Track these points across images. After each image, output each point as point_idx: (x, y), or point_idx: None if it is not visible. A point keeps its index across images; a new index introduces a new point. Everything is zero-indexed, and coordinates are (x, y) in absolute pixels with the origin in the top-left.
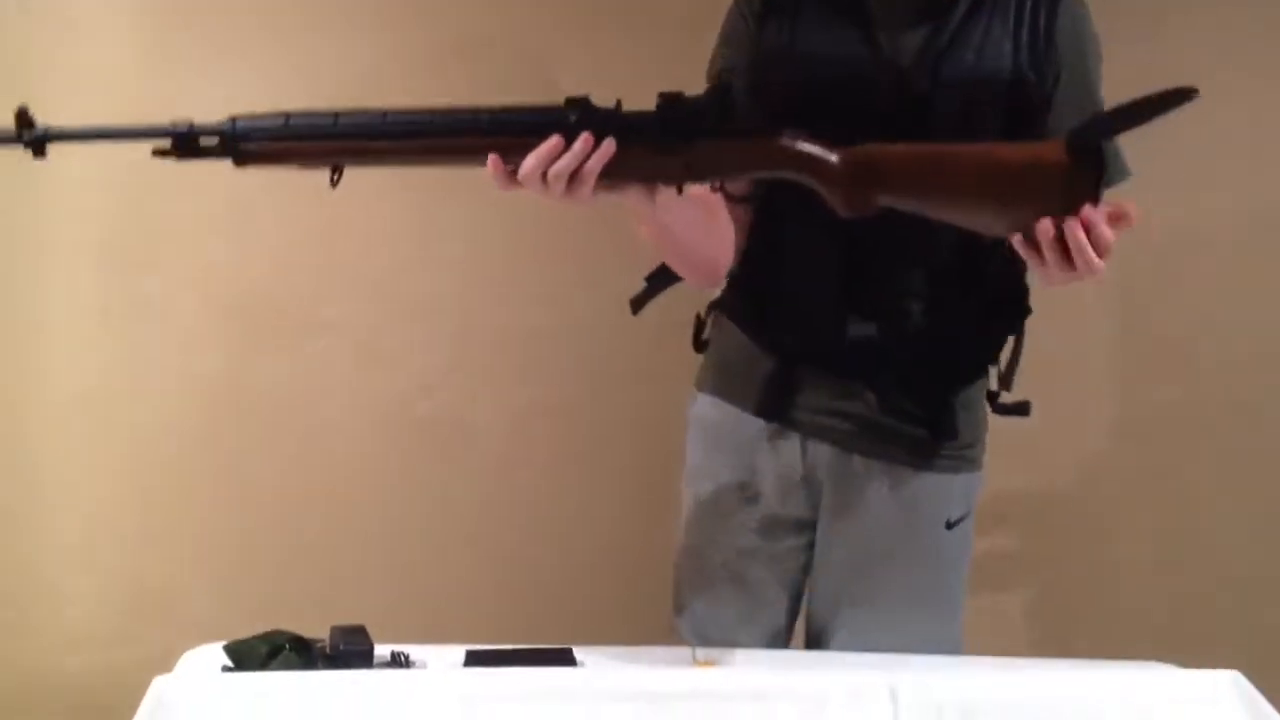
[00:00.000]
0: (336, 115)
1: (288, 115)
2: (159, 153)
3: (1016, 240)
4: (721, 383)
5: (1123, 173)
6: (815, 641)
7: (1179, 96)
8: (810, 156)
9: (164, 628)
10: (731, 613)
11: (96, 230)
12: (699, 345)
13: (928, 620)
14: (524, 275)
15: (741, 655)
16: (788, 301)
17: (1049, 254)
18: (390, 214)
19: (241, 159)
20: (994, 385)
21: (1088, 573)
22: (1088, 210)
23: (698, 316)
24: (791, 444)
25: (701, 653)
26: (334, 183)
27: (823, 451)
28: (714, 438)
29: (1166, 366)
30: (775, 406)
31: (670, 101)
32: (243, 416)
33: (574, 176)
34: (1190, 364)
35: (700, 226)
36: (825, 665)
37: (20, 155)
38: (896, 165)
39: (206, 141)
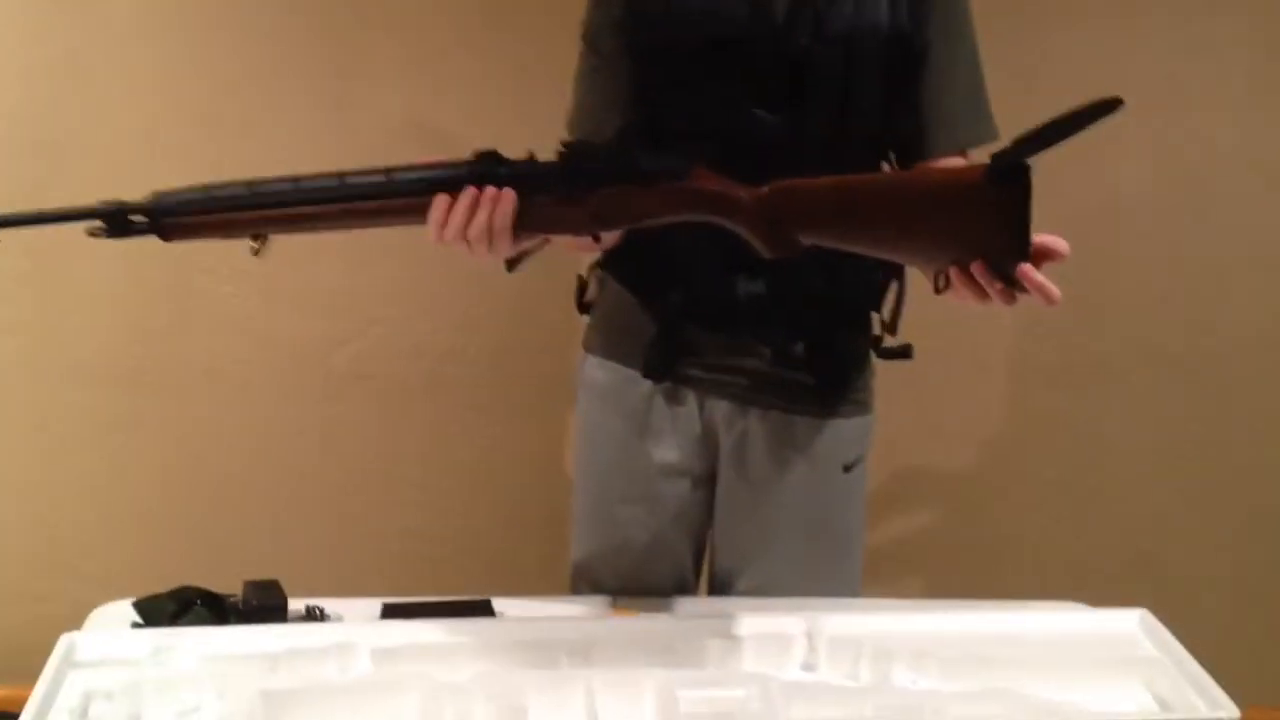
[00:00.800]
0: (251, 184)
1: (208, 186)
2: (93, 233)
3: (954, 274)
4: (609, 344)
5: (991, 134)
6: (719, 590)
7: (1104, 108)
8: (722, 197)
9: (74, 584)
10: (638, 566)
11: (12, 173)
12: (582, 307)
13: (829, 563)
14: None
15: (656, 604)
16: (674, 261)
17: (991, 291)
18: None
19: (168, 234)
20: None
21: (993, 518)
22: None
23: (579, 278)
24: (686, 401)
25: (620, 601)
26: (255, 251)
27: (719, 407)
28: (605, 399)
29: (1068, 309)
30: (664, 368)
31: (571, 150)
32: (152, 367)
33: (490, 231)
34: (1094, 308)
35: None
36: (740, 610)
37: None
38: (812, 200)
39: (136, 219)
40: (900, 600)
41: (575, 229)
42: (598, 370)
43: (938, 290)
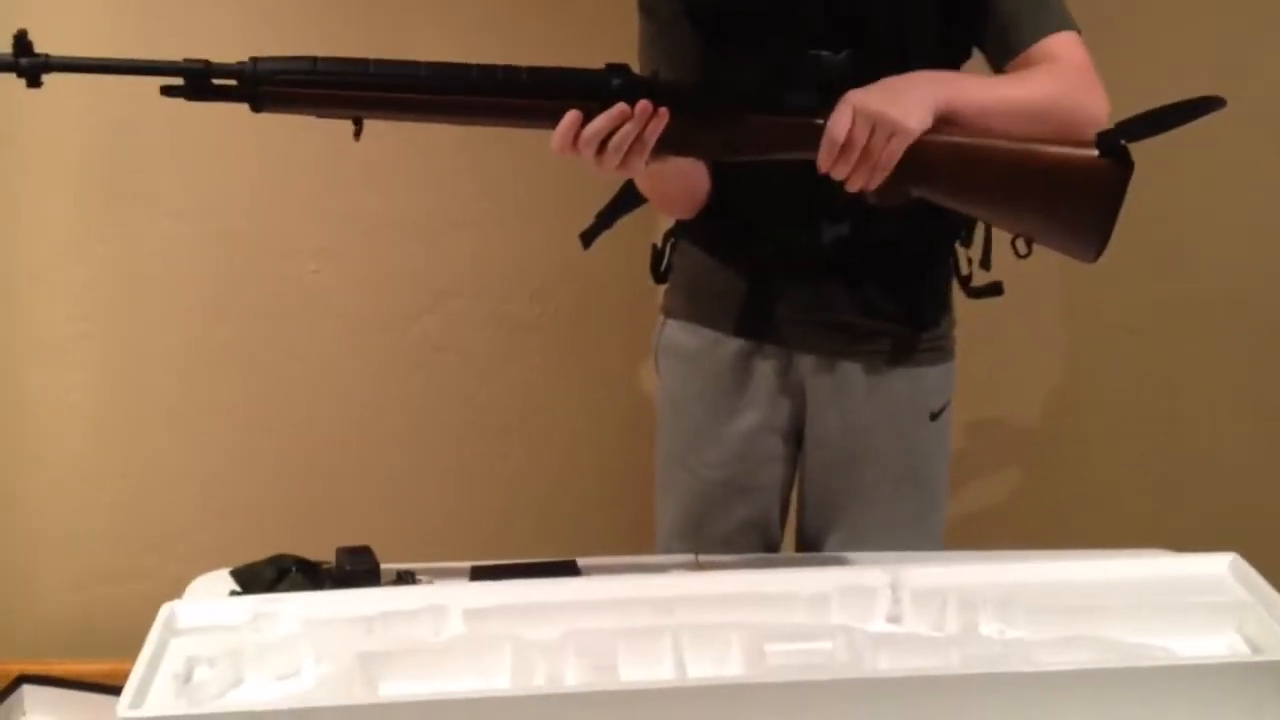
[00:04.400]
0: (369, 63)
1: (315, 59)
2: (168, 90)
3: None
4: (693, 307)
5: (1064, 23)
6: (808, 546)
7: (1207, 105)
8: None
9: (170, 562)
10: (724, 528)
11: (77, 159)
12: (659, 275)
13: (917, 514)
14: (509, 196)
15: (741, 561)
16: (755, 216)
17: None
18: (378, 138)
19: (260, 104)
20: (965, 270)
21: (1073, 471)
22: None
23: (654, 247)
24: (772, 357)
25: (704, 558)
26: (356, 135)
27: (805, 361)
28: (691, 362)
29: (1146, 257)
30: (757, 323)
31: (712, 80)
32: (238, 349)
33: (632, 146)
34: (1171, 257)
35: (687, 164)
36: (824, 565)
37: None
38: (934, 160)
39: (223, 83)
40: (982, 552)
41: (704, 153)
42: (680, 333)
43: (1018, 254)
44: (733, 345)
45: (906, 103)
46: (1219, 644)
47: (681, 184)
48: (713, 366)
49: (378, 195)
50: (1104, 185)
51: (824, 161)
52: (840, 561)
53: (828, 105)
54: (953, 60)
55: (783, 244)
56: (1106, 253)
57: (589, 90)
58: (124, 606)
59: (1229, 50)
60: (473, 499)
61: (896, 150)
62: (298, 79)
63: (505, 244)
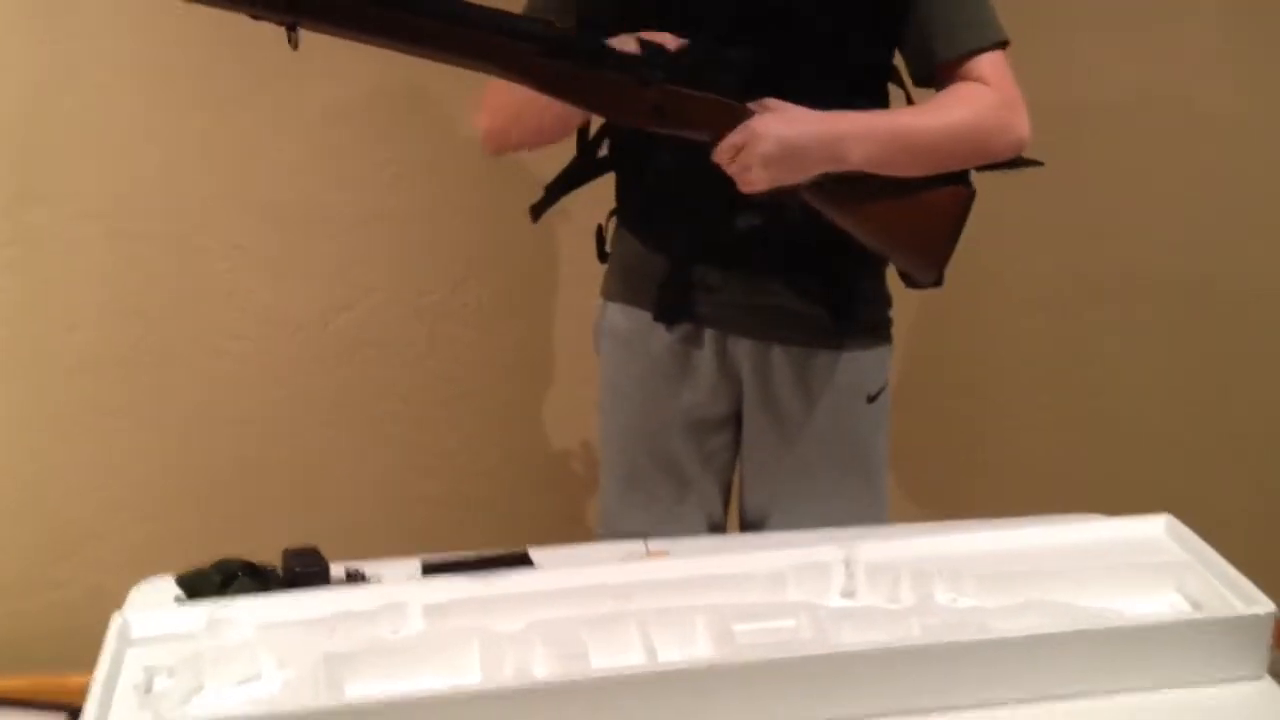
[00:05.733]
0: None
1: None
2: None
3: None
4: (629, 289)
5: (991, 37)
6: (751, 527)
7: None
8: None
9: (86, 570)
10: (664, 510)
11: None
12: (603, 255)
13: (859, 494)
14: (425, 187)
15: (690, 544)
16: (680, 202)
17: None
18: (286, 132)
19: None
20: None
21: (1005, 441)
22: None
23: (599, 227)
24: (707, 342)
25: (654, 544)
26: (292, 41)
27: (740, 345)
28: (628, 344)
29: (1065, 232)
30: (675, 309)
31: (652, 41)
32: (151, 348)
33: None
34: (1090, 231)
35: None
36: (775, 545)
37: None
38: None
39: None
40: (928, 524)
41: (632, 117)
42: (618, 316)
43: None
44: (666, 328)
45: (801, 163)
46: (1162, 603)
47: (560, 128)
48: (651, 349)
49: (289, 190)
50: (944, 211)
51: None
52: (789, 541)
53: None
54: (878, 58)
55: (703, 230)
56: (1027, 232)
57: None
58: (39, 617)
59: (1138, 35)
60: (409, 495)
61: (741, 186)
62: None
63: (423, 235)
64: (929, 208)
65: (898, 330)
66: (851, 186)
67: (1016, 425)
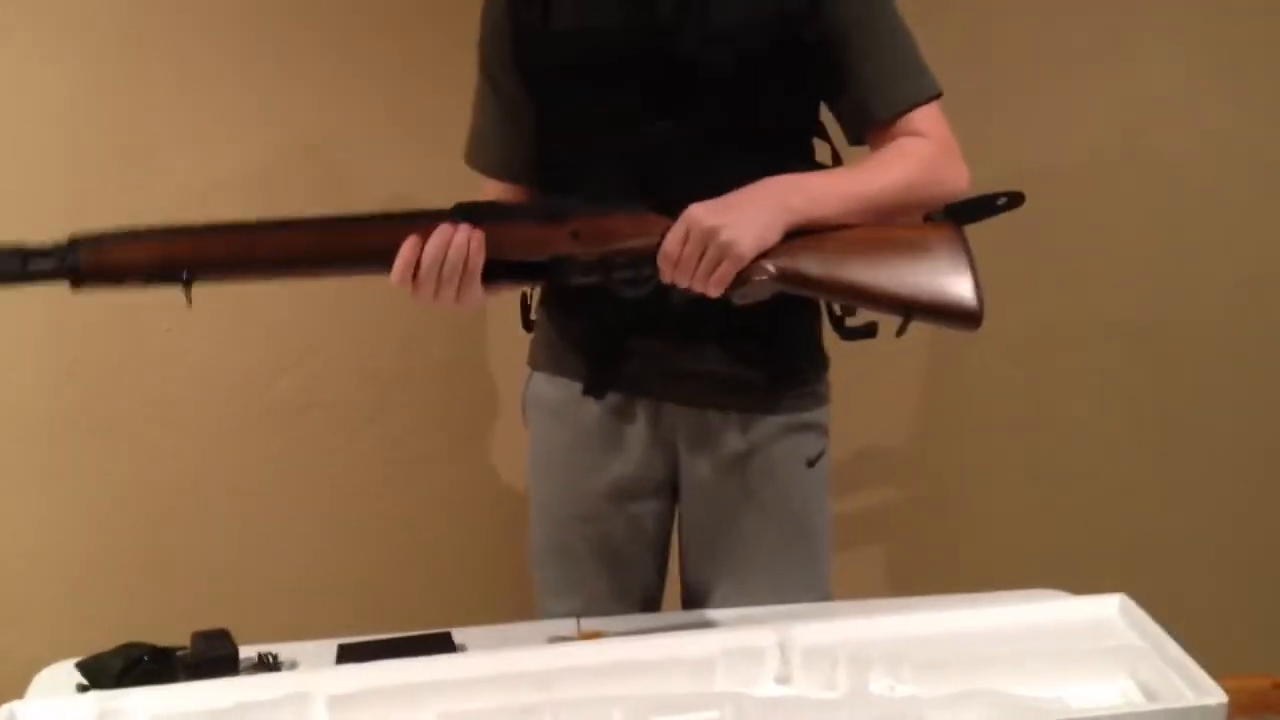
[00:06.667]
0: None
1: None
2: None
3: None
4: (556, 359)
5: (926, 90)
6: (692, 601)
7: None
8: None
9: (19, 640)
10: (601, 585)
11: None
12: (528, 324)
13: (801, 563)
14: None
15: (624, 622)
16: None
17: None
18: (226, 192)
19: (81, 276)
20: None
21: (960, 503)
22: None
23: (524, 295)
24: (639, 411)
25: (586, 623)
26: (188, 296)
27: (674, 413)
28: (556, 415)
29: (1028, 283)
30: (603, 384)
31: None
32: (85, 408)
33: (464, 273)
34: (1053, 282)
35: None
36: (708, 625)
37: None
38: (789, 262)
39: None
40: (872, 600)
41: (555, 249)
42: (546, 386)
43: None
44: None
45: (745, 224)
46: (1113, 691)
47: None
48: (580, 419)
49: None
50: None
51: (663, 274)
52: (724, 620)
53: (663, 202)
54: (805, 121)
55: (631, 306)
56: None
57: (426, 224)
58: None
59: (1097, 85)
60: (342, 567)
61: (728, 273)
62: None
63: (368, 294)
64: (932, 249)
65: (859, 392)
66: (846, 252)
67: (975, 486)
